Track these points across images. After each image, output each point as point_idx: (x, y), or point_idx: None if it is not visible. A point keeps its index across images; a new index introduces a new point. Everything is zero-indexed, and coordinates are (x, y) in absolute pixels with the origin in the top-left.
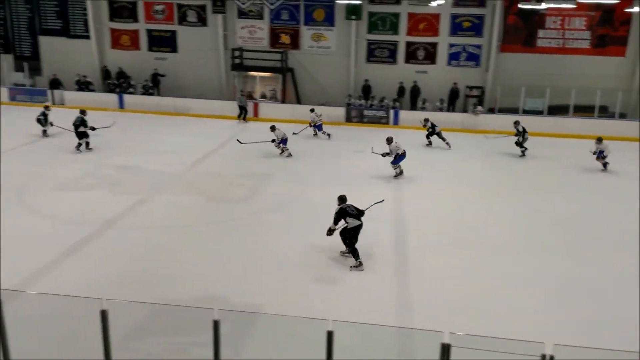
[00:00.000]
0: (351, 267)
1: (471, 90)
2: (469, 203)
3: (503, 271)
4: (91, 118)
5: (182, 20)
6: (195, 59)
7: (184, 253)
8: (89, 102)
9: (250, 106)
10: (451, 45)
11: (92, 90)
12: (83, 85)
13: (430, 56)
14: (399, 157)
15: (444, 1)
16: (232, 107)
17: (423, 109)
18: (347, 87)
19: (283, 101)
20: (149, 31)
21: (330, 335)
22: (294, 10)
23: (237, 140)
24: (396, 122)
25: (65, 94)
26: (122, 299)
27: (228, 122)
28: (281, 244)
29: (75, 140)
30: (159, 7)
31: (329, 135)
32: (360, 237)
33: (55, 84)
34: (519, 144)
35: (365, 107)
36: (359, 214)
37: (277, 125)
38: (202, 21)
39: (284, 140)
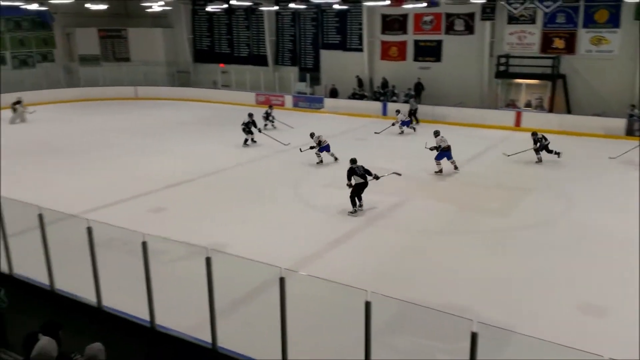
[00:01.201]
0: (349, 212)
1: None
2: None
3: None
4: (336, 123)
5: (449, 29)
6: (457, 67)
7: (435, 258)
8: (356, 109)
9: (511, 115)
10: None
11: (363, 98)
12: (358, 96)
13: None
14: (441, 152)
15: None
16: (493, 115)
17: None
18: (632, 96)
19: (550, 110)
20: (416, 42)
21: None
22: (571, 12)
23: (503, 153)
24: None
25: (339, 102)
26: (384, 294)
27: (486, 131)
28: (540, 264)
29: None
30: (427, 18)
31: (414, 128)
32: None
33: (333, 92)
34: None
35: None
36: (364, 174)
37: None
38: (469, 29)
39: (326, 147)
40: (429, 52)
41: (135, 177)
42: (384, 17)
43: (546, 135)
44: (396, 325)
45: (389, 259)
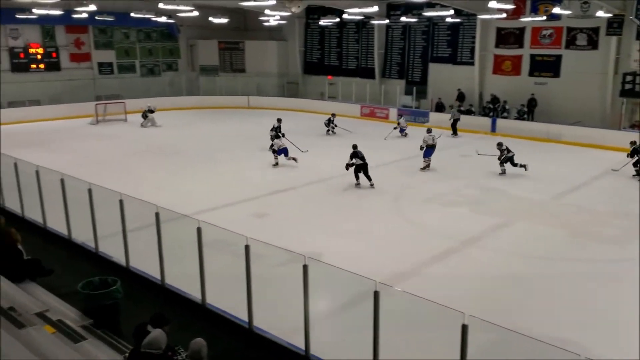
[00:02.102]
0: (355, 184)
1: None
2: None
3: None
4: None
5: (570, 43)
6: (577, 83)
7: (539, 285)
8: (462, 124)
9: (635, 137)
10: None
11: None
12: (464, 111)
13: None
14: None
15: None
16: (614, 136)
17: None
18: None
19: None
20: (533, 56)
21: None
22: None
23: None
24: None
25: (445, 116)
26: (482, 318)
27: (608, 153)
28: None
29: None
30: (546, 32)
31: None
32: None
33: (439, 106)
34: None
35: None
36: (363, 157)
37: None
38: (592, 44)
39: (282, 150)
40: (547, 67)
41: (243, 183)
42: (499, 30)
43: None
44: (493, 354)
45: (489, 282)
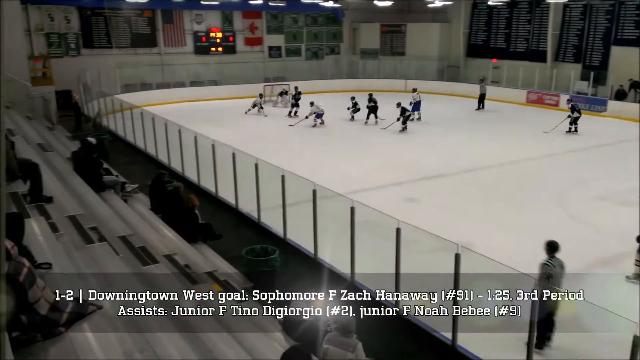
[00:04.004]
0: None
1: None
2: None
3: None
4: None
5: None
6: None
7: None
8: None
9: None
10: None
11: None
12: None
13: None
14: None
15: None
16: None
17: None
18: None
19: None
20: None
21: None
22: None
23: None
24: None
25: (627, 106)
26: None
27: None
28: None
29: None
30: None
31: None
32: None
33: (620, 94)
34: None
35: None
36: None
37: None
38: None
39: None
40: None
41: (397, 166)
42: None
43: None
44: None
45: None
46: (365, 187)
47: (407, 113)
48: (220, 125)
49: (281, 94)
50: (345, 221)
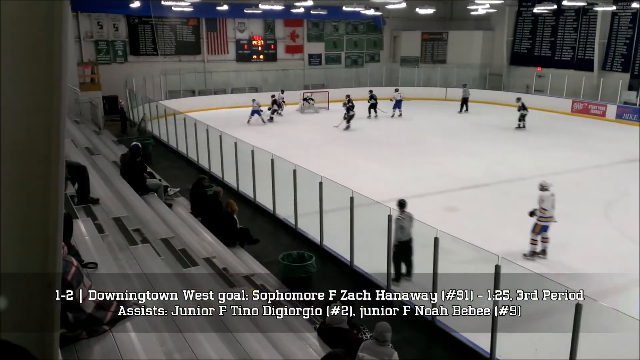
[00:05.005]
0: None
1: None
2: None
3: None
4: None
5: None
6: None
7: None
8: None
9: None
10: None
11: None
12: None
13: None
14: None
15: None
16: None
17: None
18: None
19: None
20: None
21: None
22: None
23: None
24: None
25: None
26: None
27: None
28: None
29: None
30: None
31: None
32: None
33: None
34: None
35: None
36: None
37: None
38: None
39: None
40: None
41: (437, 175)
42: None
43: None
44: None
45: None
46: (405, 195)
47: (352, 113)
48: (260, 131)
49: (306, 99)
50: (382, 229)
